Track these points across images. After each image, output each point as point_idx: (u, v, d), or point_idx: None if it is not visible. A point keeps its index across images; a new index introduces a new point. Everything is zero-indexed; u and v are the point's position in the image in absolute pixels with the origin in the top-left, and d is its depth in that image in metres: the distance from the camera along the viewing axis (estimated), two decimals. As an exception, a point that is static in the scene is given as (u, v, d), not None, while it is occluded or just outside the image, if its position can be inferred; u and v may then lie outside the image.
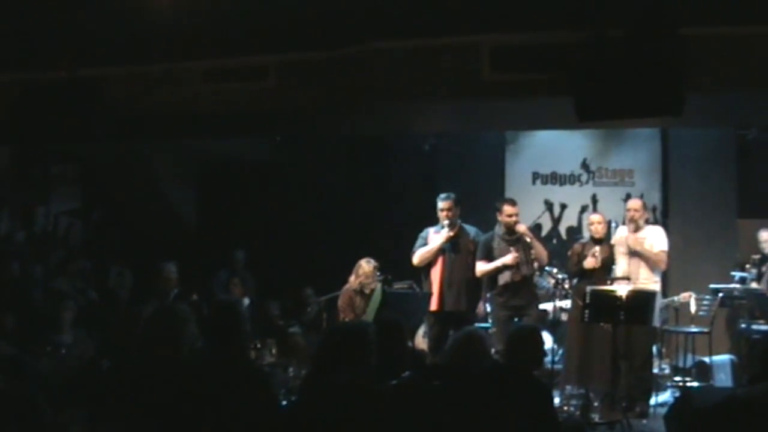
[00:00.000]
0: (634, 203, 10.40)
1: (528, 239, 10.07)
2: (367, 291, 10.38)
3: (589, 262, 10.12)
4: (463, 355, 6.73)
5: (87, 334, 10.01)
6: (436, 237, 10.27)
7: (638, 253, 10.03)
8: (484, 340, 6.86)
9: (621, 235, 10.29)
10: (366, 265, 10.45)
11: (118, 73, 9.80)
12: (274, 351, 9.38)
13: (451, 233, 10.19)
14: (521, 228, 10.14)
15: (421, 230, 10.50)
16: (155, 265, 11.51)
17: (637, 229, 10.16)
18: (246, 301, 11.88)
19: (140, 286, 12.29)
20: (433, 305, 10.12)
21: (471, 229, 10.43)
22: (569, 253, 10.63)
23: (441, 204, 10.26)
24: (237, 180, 14.58)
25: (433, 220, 10.45)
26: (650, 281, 9.98)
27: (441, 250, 10.22)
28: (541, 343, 6.88)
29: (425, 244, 10.32)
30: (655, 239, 10.15)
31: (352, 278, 10.52)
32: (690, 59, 7.67)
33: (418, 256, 10.29)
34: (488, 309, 10.63)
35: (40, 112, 9.33)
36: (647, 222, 10.56)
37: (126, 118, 9.96)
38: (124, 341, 8.73)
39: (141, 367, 5.82)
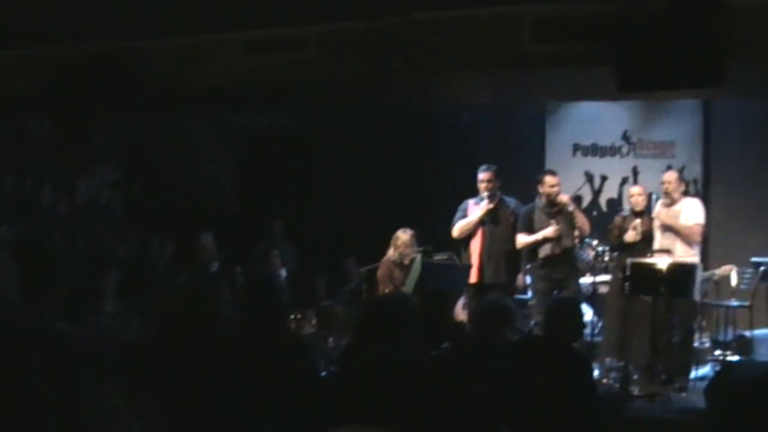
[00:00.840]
0: (669, 176, 10.29)
1: (571, 209, 10.06)
2: (406, 262, 10.42)
3: (630, 236, 10.07)
4: (486, 326, 6.72)
5: (129, 305, 10.09)
6: (475, 209, 10.28)
7: (671, 228, 9.96)
8: (507, 309, 6.82)
9: (659, 210, 10.23)
10: (403, 235, 10.49)
11: (158, 45, 9.82)
12: (314, 322, 9.42)
13: (491, 205, 10.19)
14: (564, 198, 10.12)
15: (460, 202, 10.50)
16: (194, 235, 11.59)
17: (672, 202, 10.07)
18: (283, 272, 11.92)
19: (180, 256, 12.36)
20: (473, 277, 10.15)
21: (511, 201, 10.42)
22: (609, 226, 10.58)
23: (481, 175, 10.24)
24: (277, 152, 14.60)
25: (473, 192, 10.44)
26: (687, 255, 9.89)
27: (481, 222, 10.21)
28: (580, 315, 6.87)
29: (465, 216, 10.32)
30: (691, 212, 10.05)
31: (390, 251, 10.55)
32: (733, 30, 7.58)
33: (457, 228, 10.30)
34: (528, 281, 10.63)
35: (81, 85, 9.38)
36: (686, 194, 10.48)
37: (166, 90, 10.00)
38: (161, 312, 8.79)
39: (178, 337, 5.86)
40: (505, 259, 10.24)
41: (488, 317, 6.79)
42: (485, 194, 10.18)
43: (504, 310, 6.80)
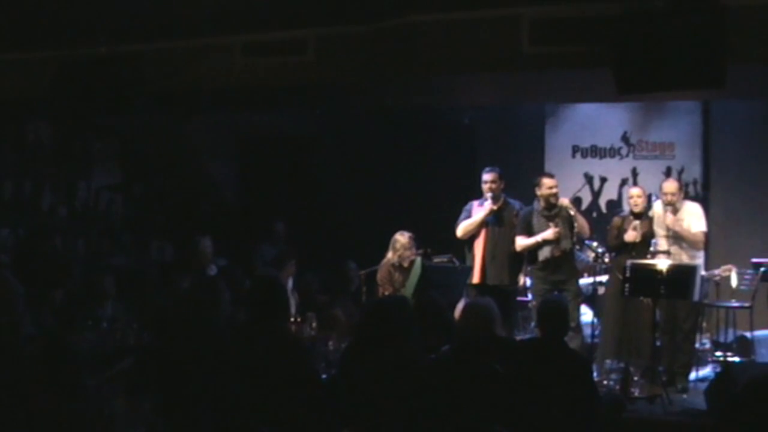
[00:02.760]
0: (670, 186, 10.22)
1: (572, 212, 10.05)
2: (405, 264, 10.43)
3: (630, 236, 10.05)
4: (465, 327, 6.75)
5: (128, 308, 10.10)
6: (479, 210, 10.28)
7: (677, 234, 9.97)
8: (481, 311, 6.83)
9: (657, 209, 10.22)
10: (401, 238, 10.51)
11: (158, 47, 9.83)
12: (314, 325, 9.42)
13: (494, 206, 10.19)
14: (564, 202, 10.12)
15: (461, 203, 10.51)
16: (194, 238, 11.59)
17: (675, 211, 10.07)
18: (290, 281, 11.88)
19: (180, 260, 12.36)
20: (476, 278, 10.16)
21: (516, 203, 10.43)
22: (608, 227, 10.57)
23: (485, 176, 10.26)
24: (276, 154, 14.61)
25: (473, 194, 10.47)
26: (692, 260, 9.91)
27: (485, 223, 10.23)
28: (567, 312, 6.98)
29: (469, 216, 10.32)
30: (693, 220, 10.06)
31: (389, 253, 10.56)
32: (732, 30, 7.58)
33: (461, 229, 10.31)
34: (528, 283, 10.64)
35: (81, 88, 9.38)
36: (687, 197, 10.49)
37: (166, 93, 10.01)
38: (162, 315, 8.81)
39: (179, 340, 5.87)
40: (508, 260, 10.25)
41: (470, 319, 6.81)
42: (488, 195, 10.19)
43: (486, 311, 6.81)
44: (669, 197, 10.07)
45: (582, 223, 10.14)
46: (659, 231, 10.09)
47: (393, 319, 5.73)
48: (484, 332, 6.61)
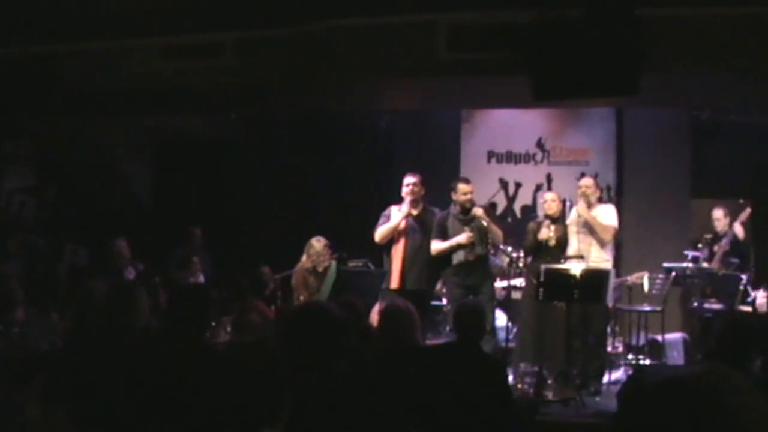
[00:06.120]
0: (586, 181, 10.49)
1: (485, 223, 10.07)
2: (320, 269, 10.43)
3: (543, 233, 10.14)
4: (386, 333, 6.77)
5: (41, 313, 9.95)
6: (398, 215, 10.26)
7: (589, 228, 10.07)
8: (404, 318, 6.87)
9: (573, 216, 10.34)
10: (317, 244, 10.50)
11: (73, 49, 9.71)
12: (228, 329, 9.37)
13: (412, 210, 10.17)
14: (478, 212, 10.14)
15: (377, 207, 10.51)
16: (109, 241, 11.47)
17: (588, 206, 10.19)
18: (201, 279, 11.88)
19: (95, 263, 12.22)
20: (394, 283, 10.13)
21: (436, 210, 10.42)
22: (525, 233, 10.63)
23: (408, 179, 10.23)
24: (192, 157, 14.50)
25: (389, 198, 10.48)
26: (601, 260, 10.02)
27: (405, 229, 10.20)
28: (483, 315, 7.02)
29: (388, 221, 10.30)
30: (605, 216, 10.19)
31: (304, 258, 10.55)
32: (646, 40, 7.70)
33: (379, 233, 10.28)
34: (443, 288, 10.68)
35: (-5, 88, 9.25)
36: (600, 200, 10.62)
37: (81, 95, 9.88)
38: (76, 320, 8.69)
39: (93, 346, 5.80)
40: (428, 266, 10.24)
41: (392, 326, 6.82)
42: (408, 198, 10.17)
43: (408, 318, 6.83)
44: (583, 189, 10.22)
45: (495, 232, 10.18)
46: (572, 228, 10.19)
47: (317, 327, 5.71)
48: (405, 339, 6.64)
